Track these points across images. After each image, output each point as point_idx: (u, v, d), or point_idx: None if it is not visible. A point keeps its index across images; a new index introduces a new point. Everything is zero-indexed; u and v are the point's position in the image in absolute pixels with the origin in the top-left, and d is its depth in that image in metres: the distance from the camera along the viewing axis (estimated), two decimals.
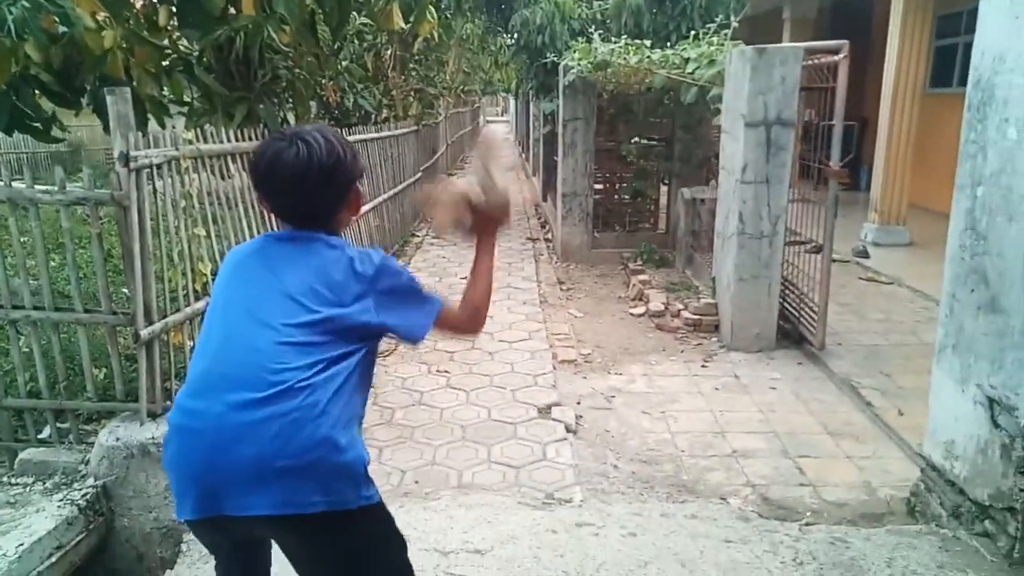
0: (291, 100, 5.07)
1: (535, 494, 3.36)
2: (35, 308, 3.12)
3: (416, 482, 3.43)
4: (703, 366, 5.03)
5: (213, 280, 3.43)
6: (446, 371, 4.76)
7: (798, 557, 2.84)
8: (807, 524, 3.10)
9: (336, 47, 6.02)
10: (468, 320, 1.84)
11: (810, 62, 4.92)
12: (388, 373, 4.80)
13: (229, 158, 4.02)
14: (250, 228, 4.17)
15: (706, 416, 4.25)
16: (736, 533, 3.00)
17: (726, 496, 3.38)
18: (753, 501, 3.33)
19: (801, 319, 5.29)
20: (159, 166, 3.16)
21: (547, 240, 9.50)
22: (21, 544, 2.61)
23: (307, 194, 1.70)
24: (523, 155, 20.75)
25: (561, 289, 7.09)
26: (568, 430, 4.02)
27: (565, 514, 3.13)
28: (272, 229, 4.39)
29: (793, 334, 5.36)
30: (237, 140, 4.08)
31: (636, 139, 8.18)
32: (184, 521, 1.62)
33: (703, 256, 6.73)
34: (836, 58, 4.63)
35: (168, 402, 3.19)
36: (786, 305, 5.48)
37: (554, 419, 4.15)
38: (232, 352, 1.59)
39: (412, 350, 5.15)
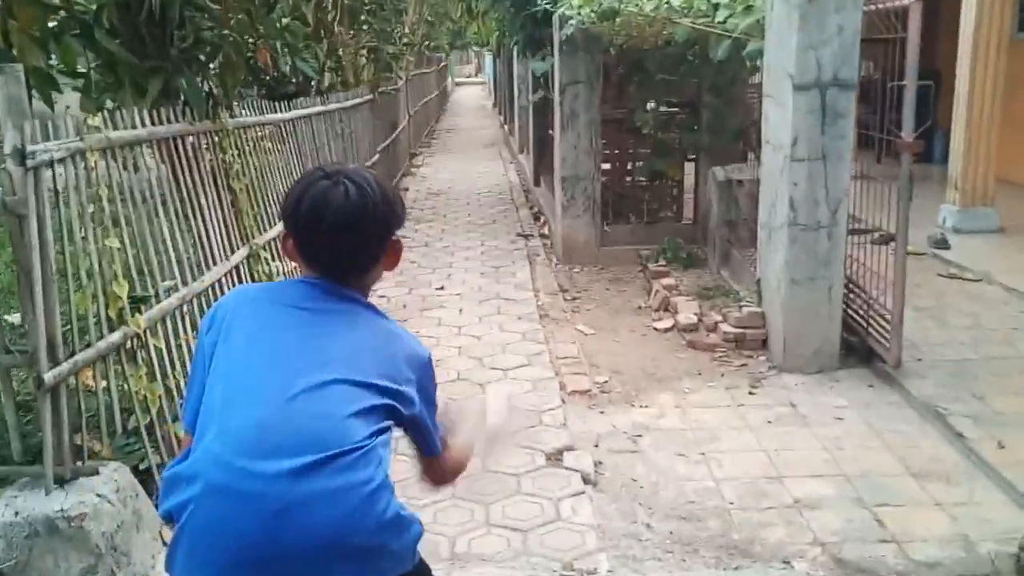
0: (219, 69, 5.08)
1: (549, 564, 3.39)
2: None
3: None
4: (750, 393, 5.10)
5: (131, 304, 3.43)
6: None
7: None
8: None
9: None
10: (444, 472, 2.01)
11: (873, 6, 5.00)
12: None
13: (143, 147, 4.03)
14: (168, 231, 4.17)
15: (758, 457, 4.30)
16: None
17: (789, 559, 3.43)
18: (823, 564, 3.39)
19: (870, 330, 5.38)
20: (60, 161, 3.17)
21: (543, 236, 9.57)
22: None
23: (359, 241, 1.83)
24: (505, 126, 20.87)
25: (565, 299, 7.15)
26: (586, 480, 4.06)
27: None
28: (202, 227, 4.46)
29: (860, 349, 5.44)
30: (153, 123, 4.09)
31: (653, 105, 8.27)
32: None
33: (743, 252, 6.82)
34: (906, 1, 4.71)
35: (79, 462, 3.19)
36: (851, 313, 5.57)
37: (567, 467, 4.18)
38: (284, 412, 1.68)
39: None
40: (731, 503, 3.87)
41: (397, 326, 1.89)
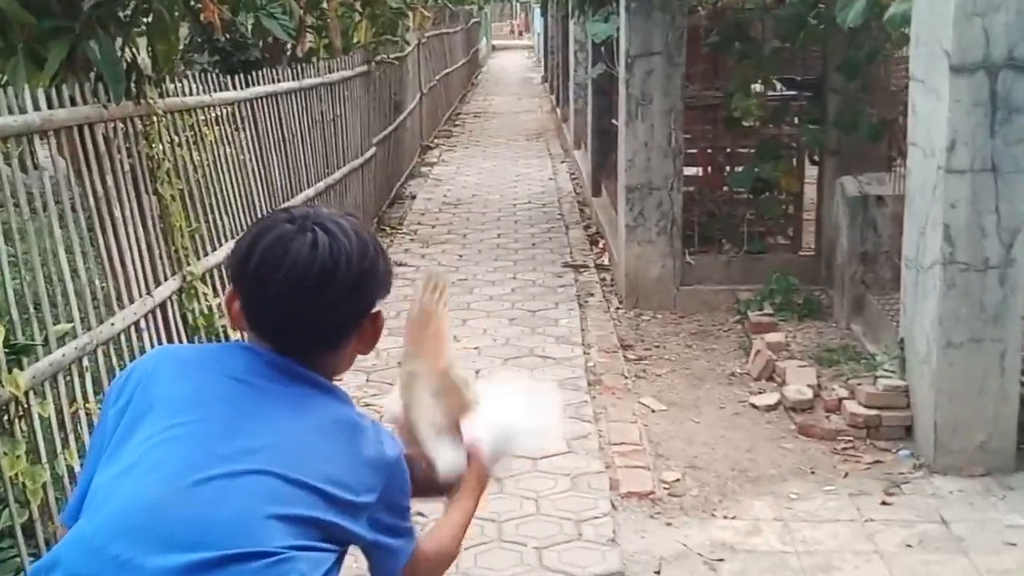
0: (145, 30, 5.23)
1: None
2: None
3: None
4: (884, 503, 5.07)
5: (8, 356, 3.53)
6: (419, 512, 4.81)
7: None
8: None
9: None
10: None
11: None
12: None
13: (36, 138, 4.16)
14: (67, 254, 4.28)
15: None
16: None
17: None
18: None
19: None
20: None
21: (601, 268, 9.62)
22: None
23: (324, 310, 1.89)
24: (557, 110, 21.07)
25: (627, 358, 7.18)
26: None
27: None
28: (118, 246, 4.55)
29: None
30: (51, 105, 4.22)
31: (759, 88, 8.32)
32: None
33: (884, 299, 6.80)
34: None
35: None
36: None
37: None
38: (185, 497, 1.76)
39: None
40: None
41: (363, 417, 1.95)
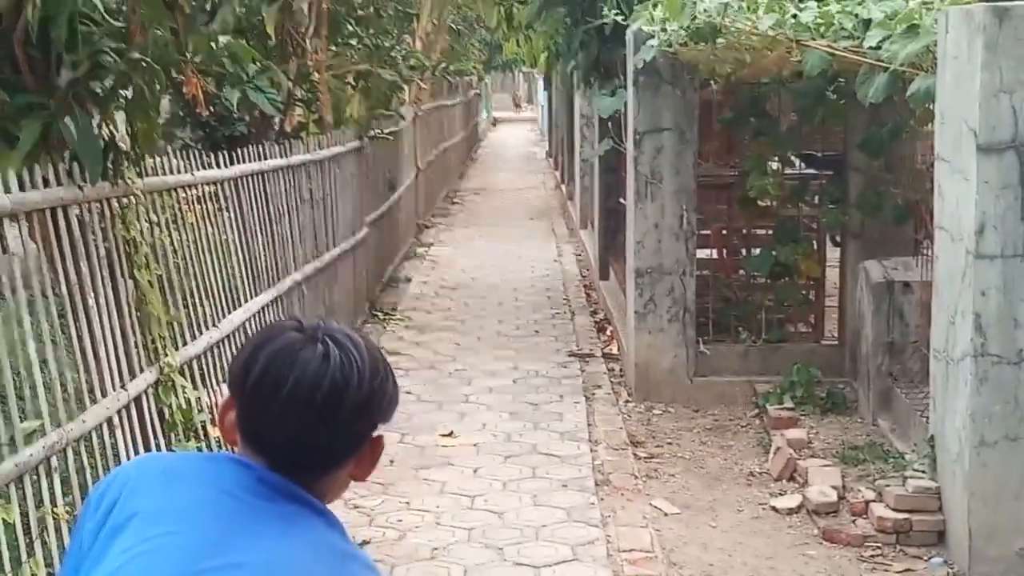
0: (125, 106, 5.30)
1: None
2: None
3: None
4: None
5: None
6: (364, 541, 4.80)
7: None
8: None
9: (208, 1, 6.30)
10: None
11: None
12: None
13: (6, 221, 4.20)
14: (36, 345, 4.30)
15: None
16: None
17: None
18: None
19: None
20: None
21: (609, 357, 9.63)
22: None
23: (327, 430, 1.90)
24: (562, 187, 21.24)
25: (637, 456, 7.18)
26: None
27: None
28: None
29: None
30: (22, 187, 4.27)
31: (776, 166, 8.40)
32: None
33: (913, 392, 6.79)
34: None
35: None
36: None
37: None
38: None
39: None
40: None
41: (352, 547, 1.95)
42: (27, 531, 3.96)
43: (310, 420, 1.87)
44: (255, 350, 1.91)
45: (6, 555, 3.77)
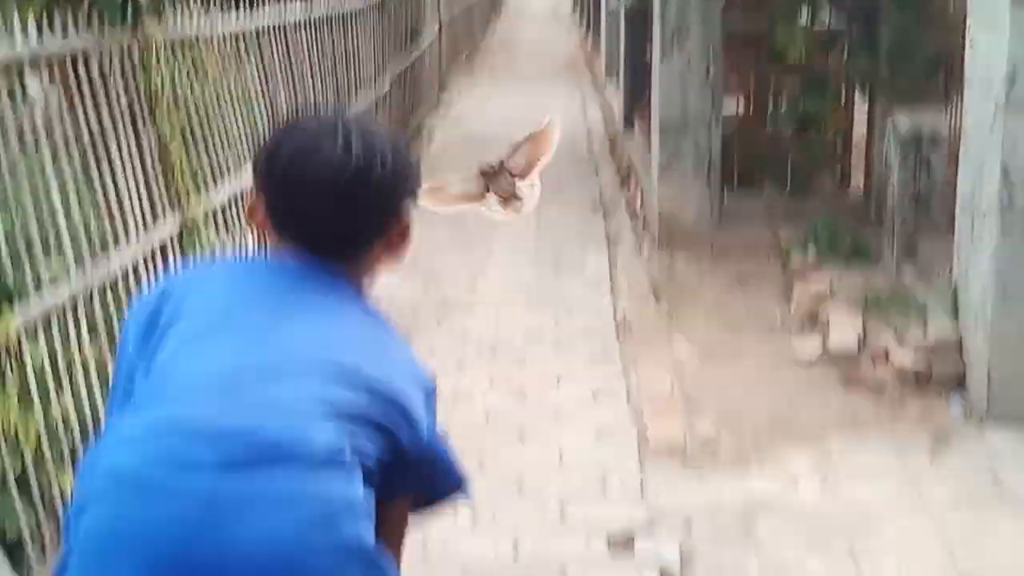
0: None
1: None
2: None
3: None
4: (931, 459, 5.11)
5: None
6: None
7: None
8: None
9: None
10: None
11: None
12: None
13: (26, 69, 4.20)
14: (61, 192, 4.34)
15: (935, 558, 4.31)
16: None
17: None
18: None
19: None
20: None
21: (633, 209, 9.61)
22: None
23: (353, 210, 1.98)
24: (588, 41, 20.95)
25: (659, 305, 7.22)
26: None
27: None
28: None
29: None
30: (41, 34, 4.25)
31: (806, 18, 8.26)
32: None
33: (937, 243, 6.77)
34: None
35: None
36: None
37: (640, 558, 4.26)
38: (229, 406, 1.82)
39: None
40: None
41: (391, 327, 2.04)
42: (55, 373, 4.05)
43: (337, 203, 1.94)
44: (278, 143, 1.98)
45: (36, 395, 3.86)
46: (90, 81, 4.68)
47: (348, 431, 1.81)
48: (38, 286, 4.04)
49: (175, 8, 5.70)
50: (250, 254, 5.76)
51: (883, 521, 4.58)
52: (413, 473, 1.96)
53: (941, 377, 5.71)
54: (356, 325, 1.98)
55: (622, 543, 4.39)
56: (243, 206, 6.21)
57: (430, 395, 1.99)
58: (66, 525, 1.85)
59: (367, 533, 1.82)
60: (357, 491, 1.80)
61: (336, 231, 1.99)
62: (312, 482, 1.76)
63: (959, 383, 5.67)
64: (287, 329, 1.91)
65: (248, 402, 1.81)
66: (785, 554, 4.36)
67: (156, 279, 4.97)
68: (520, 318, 6.96)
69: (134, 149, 5.04)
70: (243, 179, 6.19)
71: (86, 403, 4.21)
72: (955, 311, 5.79)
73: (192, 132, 5.69)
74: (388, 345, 2.00)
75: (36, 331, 3.94)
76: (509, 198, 2.69)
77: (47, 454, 3.88)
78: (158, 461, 1.75)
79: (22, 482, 3.76)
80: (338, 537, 1.76)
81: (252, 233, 5.52)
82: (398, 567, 1.96)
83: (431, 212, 8.35)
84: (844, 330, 6.28)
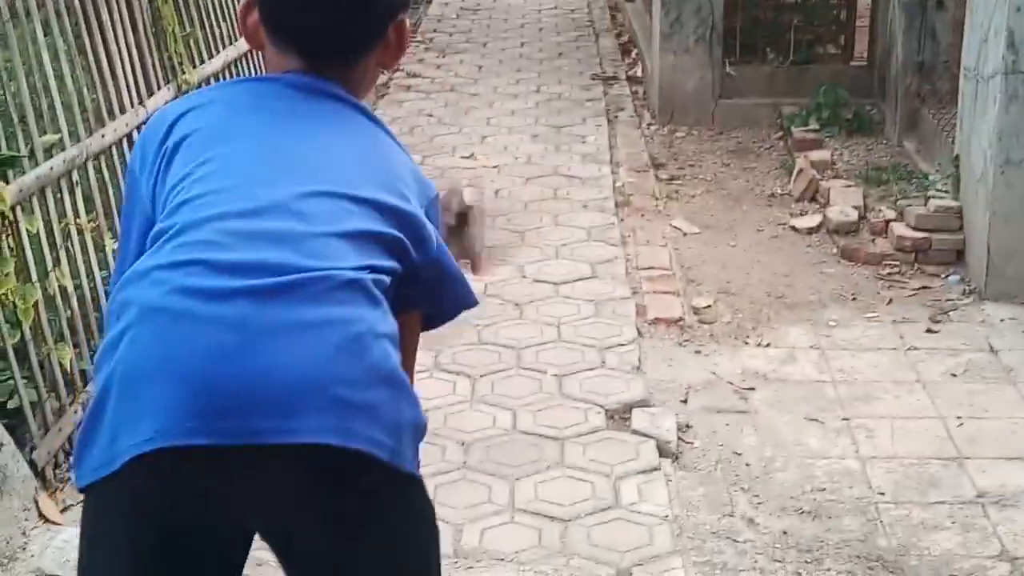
0: None
1: (595, 570, 3.51)
2: None
3: None
4: (930, 330, 5.12)
5: None
6: (433, 349, 4.91)
7: None
8: None
9: None
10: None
11: None
12: None
13: None
14: (52, 61, 4.27)
15: (931, 427, 4.35)
16: None
17: None
18: None
19: None
20: None
21: (633, 80, 9.49)
22: None
23: (348, 12, 1.96)
24: None
25: (659, 178, 7.17)
26: (664, 452, 4.17)
27: None
28: None
29: None
30: None
31: None
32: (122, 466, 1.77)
33: (941, 113, 6.71)
34: None
35: None
36: None
37: (637, 431, 4.29)
38: (246, 225, 1.83)
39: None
40: (881, 494, 3.94)
41: (399, 143, 2.06)
42: (52, 243, 4.03)
43: (333, 4, 1.94)
44: None
45: (33, 266, 3.85)
46: None
47: (366, 249, 1.84)
48: (32, 157, 4.00)
49: None
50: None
51: (879, 393, 4.61)
52: (424, 287, 1.99)
53: (941, 250, 5.70)
54: (361, 136, 1.99)
55: (619, 416, 4.41)
56: (239, 75, 6.14)
57: (433, 204, 2.01)
58: (98, 361, 1.85)
59: (394, 354, 1.84)
60: (382, 312, 1.84)
61: (335, 30, 1.98)
62: (338, 305, 1.78)
63: (958, 256, 5.66)
64: (295, 142, 1.92)
65: (268, 228, 1.82)
66: (781, 426, 4.40)
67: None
68: (518, 191, 6.90)
69: (127, 16, 4.96)
70: (239, 47, 6.10)
71: (84, 275, 4.19)
72: (956, 183, 5.76)
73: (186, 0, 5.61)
74: (393, 156, 2.01)
75: (31, 202, 3.91)
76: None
77: (45, 327, 3.88)
78: (185, 292, 1.76)
79: (21, 355, 3.76)
80: (367, 359, 1.79)
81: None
82: (411, 383, 1.97)
83: (427, 85, 8.28)
84: (844, 203, 6.24)
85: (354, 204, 1.86)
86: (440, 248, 2.00)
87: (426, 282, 1.99)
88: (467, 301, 2.13)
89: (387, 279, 1.87)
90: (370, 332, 1.80)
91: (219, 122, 1.97)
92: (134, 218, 1.98)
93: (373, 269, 1.84)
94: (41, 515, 3.59)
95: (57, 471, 3.83)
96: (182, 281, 1.77)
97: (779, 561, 3.61)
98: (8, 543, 3.43)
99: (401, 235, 1.89)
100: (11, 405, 3.73)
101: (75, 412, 3.93)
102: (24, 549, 3.43)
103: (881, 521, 3.80)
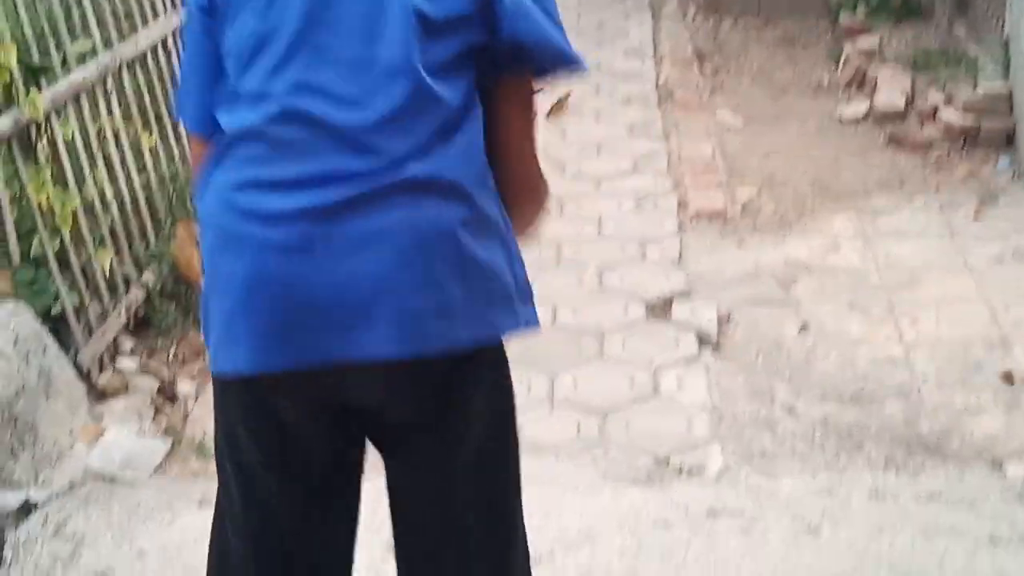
0: None
1: (634, 459, 3.55)
2: None
3: None
4: (976, 216, 5.06)
5: (25, 77, 3.58)
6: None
7: None
8: None
9: None
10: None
11: None
12: None
13: None
14: None
15: (975, 312, 4.32)
16: (1012, 526, 3.11)
17: (1001, 460, 3.49)
18: None
19: None
20: None
21: None
22: None
23: None
24: None
25: (703, 71, 7.07)
26: (704, 341, 4.19)
27: (690, 494, 3.30)
28: None
29: None
30: None
31: None
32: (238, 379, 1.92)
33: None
34: None
35: None
36: None
37: (677, 323, 4.31)
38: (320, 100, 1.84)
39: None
40: (924, 379, 3.93)
41: None
42: (88, 150, 4.05)
43: None
44: None
45: (70, 172, 3.88)
46: None
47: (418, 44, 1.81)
48: (65, 65, 4.01)
49: None
50: None
51: (924, 279, 4.58)
52: (512, 44, 1.90)
53: (990, 135, 5.62)
54: None
55: (660, 308, 4.42)
56: None
57: None
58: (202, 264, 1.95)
59: (466, 237, 1.85)
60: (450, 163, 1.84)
61: None
62: (397, 209, 1.81)
63: (1008, 141, 5.58)
64: None
65: (322, 119, 1.81)
66: (824, 314, 4.38)
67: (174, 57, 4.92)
68: (558, 89, 6.83)
69: None
70: None
71: (122, 180, 4.22)
72: (1006, 67, 5.65)
73: None
74: None
75: (66, 109, 3.93)
76: None
77: (86, 233, 3.92)
78: (250, 217, 1.82)
79: (62, 261, 3.81)
80: (432, 259, 1.82)
81: None
82: (533, 145, 2.00)
83: None
84: (892, 89, 6.16)
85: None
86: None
87: (513, 38, 1.88)
88: (569, 64, 1.97)
89: (465, 63, 1.86)
90: (432, 230, 1.82)
91: None
92: (201, 47, 1.98)
93: (438, 69, 1.82)
94: (90, 415, 3.67)
95: (102, 373, 3.89)
96: (245, 205, 1.84)
97: (818, 446, 3.61)
98: (55, 443, 3.49)
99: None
100: (54, 311, 3.77)
101: (118, 316, 3.99)
102: (72, 448, 3.51)
103: (924, 405, 3.79)
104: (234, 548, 2.06)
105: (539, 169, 2.05)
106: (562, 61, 1.96)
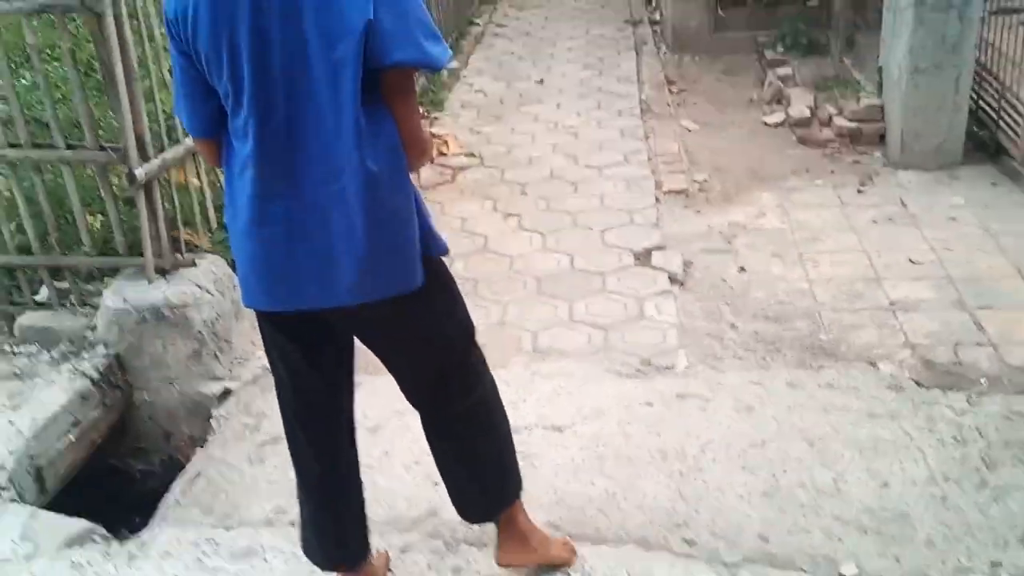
0: None
1: (627, 360, 3.56)
2: (10, 146, 3.37)
3: (481, 346, 3.66)
4: (859, 191, 5.00)
5: None
6: (516, 213, 4.91)
7: (961, 434, 2.96)
8: (979, 394, 3.19)
9: None
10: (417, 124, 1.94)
11: None
12: (444, 212, 4.99)
13: None
14: None
15: (858, 258, 4.28)
16: (884, 405, 3.13)
17: (876, 360, 3.48)
18: (911, 366, 3.42)
19: (1001, 122, 5.09)
20: None
21: (654, 22, 9.18)
22: (35, 420, 3.02)
23: None
24: None
25: (671, 92, 6.98)
26: (673, 280, 4.17)
27: (665, 384, 3.33)
28: None
29: (989, 144, 5.18)
30: None
31: None
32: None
33: (870, 37, 6.41)
34: None
35: (179, 255, 3.46)
36: (982, 104, 5.26)
37: (655, 267, 4.29)
38: (302, 125, 1.82)
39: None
40: (823, 304, 3.91)
41: None
42: None
43: None
44: None
45: None
46: None
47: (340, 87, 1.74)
48: None
49: None
50: None
51: (823, 236, 4.53)
52: (389, 37, 1.73)
53: (868, 135, 5.51)
54: None
55: (644, 257, 4.40)
56: None
57: None
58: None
59: (386, 194, 1.86)
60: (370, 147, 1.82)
61: None
62: (335, 202, 1.84)
63: (880, 139, 5.47)
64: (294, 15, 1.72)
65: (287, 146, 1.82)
66: (755, 260, 4.35)
67: None
68: (573, 104, 6.78)
69: None
70: None
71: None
72: (880, 87, 5.53)
73: None
74: None
75: None
76: None
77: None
78: (252, 222, 1.91)
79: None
80: (366, 226, 1.85)
81: None
82: (418, 125, 1.88)
83: (510, 32, 8.04)
84: (800, 103, 6.03)
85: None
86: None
87: (390, 32, 1.73)
88: (439, 58, 1.80)
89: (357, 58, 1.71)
90: (360, 206, 1.82)
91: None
92: (188, 70, 1.87)
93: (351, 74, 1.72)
94: None
95: None
96: (248, 215, 1.89)
97: (751, 351, 3.61)
98: (243, 350, 3.54)
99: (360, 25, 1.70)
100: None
101: None
102: (254, 353, 3.56)
103: (823, 323, 3.78)
104: (285, 403, 2.20)
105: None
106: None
